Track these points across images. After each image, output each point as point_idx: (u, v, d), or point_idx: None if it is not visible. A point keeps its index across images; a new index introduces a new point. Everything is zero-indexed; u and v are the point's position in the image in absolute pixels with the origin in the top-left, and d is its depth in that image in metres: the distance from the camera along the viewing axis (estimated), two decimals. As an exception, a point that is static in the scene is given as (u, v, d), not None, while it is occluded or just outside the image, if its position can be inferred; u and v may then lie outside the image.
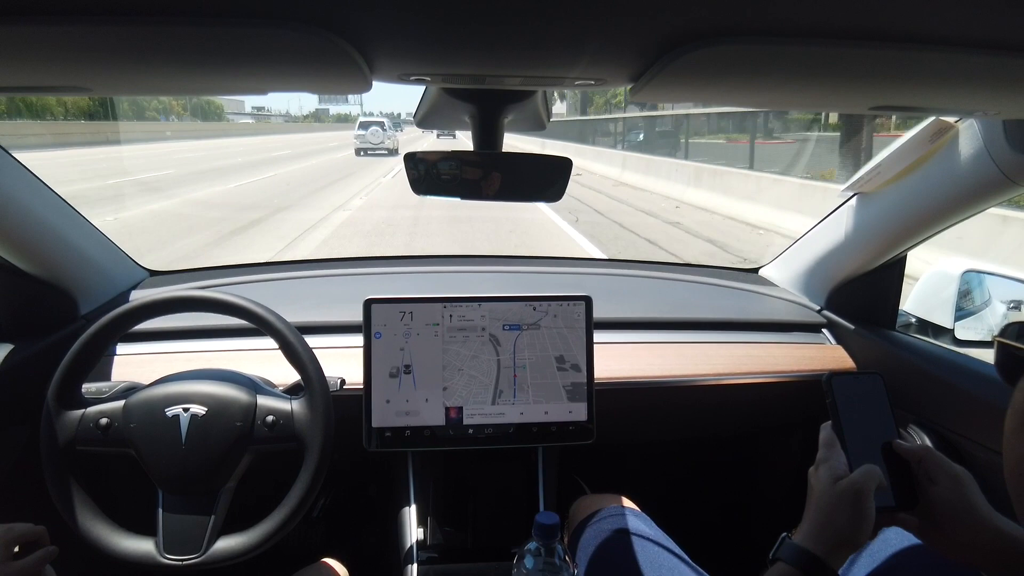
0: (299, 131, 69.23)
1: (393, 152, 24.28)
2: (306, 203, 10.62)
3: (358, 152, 24.00)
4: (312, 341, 0.96)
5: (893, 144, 1.09)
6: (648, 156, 15.26)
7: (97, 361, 0.94)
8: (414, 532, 1.09)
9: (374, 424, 1.04)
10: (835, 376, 0.73)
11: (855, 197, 1.25)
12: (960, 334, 1.27)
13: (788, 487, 1.53)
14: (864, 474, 0.65)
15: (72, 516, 0.88)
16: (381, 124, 24.98)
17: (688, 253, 6.87)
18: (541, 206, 9.20)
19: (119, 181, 13.07)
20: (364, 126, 24.89)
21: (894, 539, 0.86)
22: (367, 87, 0.58)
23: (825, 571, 0.61)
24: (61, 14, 0.41)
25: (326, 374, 0.94)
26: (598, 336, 1.11)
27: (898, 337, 1.26)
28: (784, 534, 0.67)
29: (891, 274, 1.28)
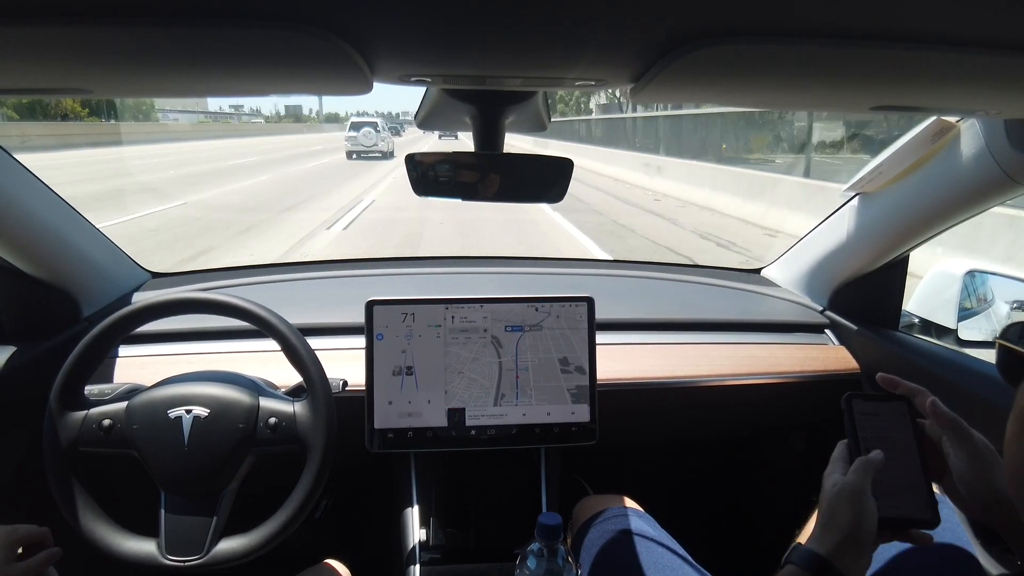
0: (271, 133, 55.36)
1: (388, 155, 21.61)
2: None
3: (350, 155, 21.36)
4: (314, 343, 0.96)
5: (894, 144, 1.09)
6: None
7: (100, 363, 0.94)
8: (416, 533, 1.09)
9: (376, 425, 1.04)
10: (853, 396, 0.73)
11: (857, 197, 1.25)
12: (963, 334, 1.26)
13: (792, 487, 1.53)
14: (856, 472, 0.66)
15: (74, 517, 0.88)
16: (374, 125, 22.09)
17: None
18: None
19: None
20: (356, 127, 21.98)
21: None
22: (368, 88, 0.58)
23: (832, 571, 0.62)
24: (61, 15, 0.41)
25: (328, 376, 0.94)
26: (600, 337, 1.11)
27: (901, 337, 1.26)
28: (796, 542, 0.67)
29: (894, 274, 1.27)
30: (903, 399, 0.73)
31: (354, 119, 23.52)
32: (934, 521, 0.67)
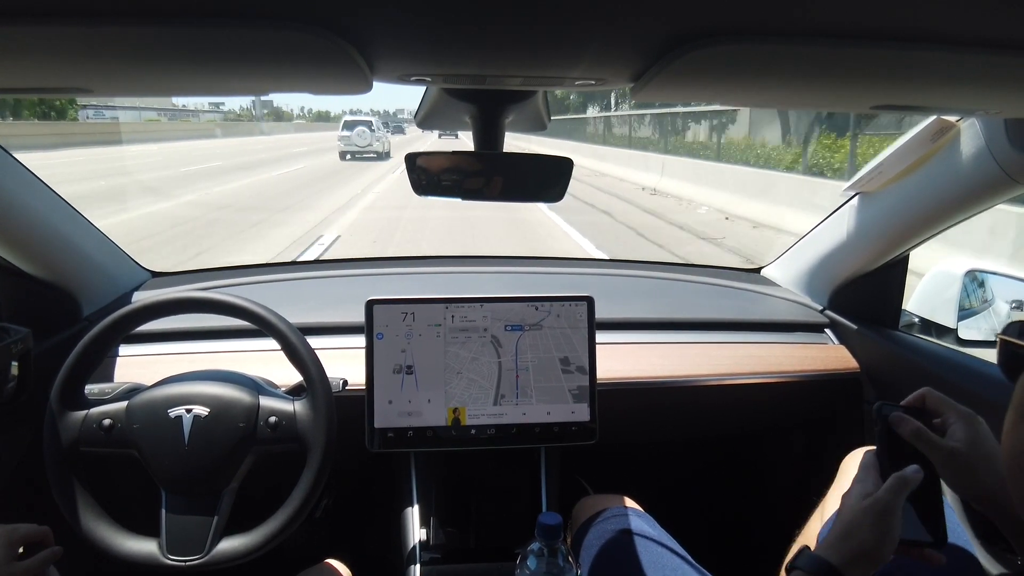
0: (224, 135, 40.96)
1: (383, 156, 20.53)
2: None
3: (343, 156, 20.21)
4: (314, 342, 0.96)
5: (895, 143, 1.09)
6: None
7: (100, 362, 0.94)
8: (417, 533, 1.09)
9: (377, 425, 1.04)
10: (885, 405, 0.73)
11: (857, 197, 1.25)
12: (963, 334, 1.26)
13: (791, 487, 1.53)
14: (889, 490, 0.64)
15: (75, 517, 0.88)
16: (368, 124, 20.57)
17: None
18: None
19: None
20: (349, 126, 20.39)
21: None
22: (367, 88, 0.58)
23: None
24: (61, 15, 0.41)
25: (328, 375, 0.94)
26: (600, 336, 1.11)
27: (901, 337, 1.26)
28: (803, 546, 0.67)
29: (894, 273, 1.27)
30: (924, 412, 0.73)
31: (347, 118, 21.44)
32: (943, 542, 0.67)
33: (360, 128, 20.25)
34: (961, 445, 0.67)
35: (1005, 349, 0.63)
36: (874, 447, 0.72)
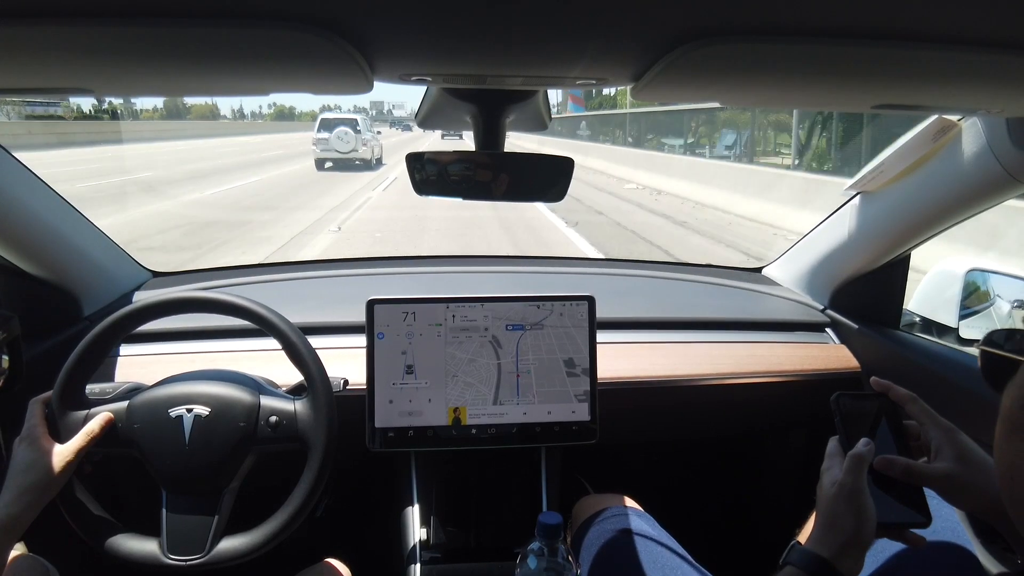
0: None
1: (372, 164, 16.53)
2: None
3: (320, 164, 16.10)
4: (315, 342, 0.96)
5: (896, 143, 1.09)
6: None
7: (101, 362, 0.94)
8: (417, 532, 1.09)
9: (377, 424, 1.04)
10: (841, 395, 0.75)
11: (858, 196, 1.25)
12: (964, 333, 1.26)
13: (792, 486, 1.53)
14: (849, 471, 0.66)
15: (76, 516, 0.88)
16: (352, 123, 16.03)
17: None
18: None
19: None
20: (327, 126, 15.89)
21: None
22: (368, 87, 0.58)
23: (833, 573, 0.62)
24: (63, 15, 0.41)
25: (329, 374, 0.94)
26: (601, 336, 1.11)
27: (902, 336, 1.26)
28: (794, 541, 0.67)
29: (895, 273, 1.27)
30: (881, 395, 0.75)
31: (325, 115, 16.73)
32: (927, 521, 0.68)
33: (342, 129, 15.81)
34: (953, 465, 0.66)
35: (987, 359, 0.62)
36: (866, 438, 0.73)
